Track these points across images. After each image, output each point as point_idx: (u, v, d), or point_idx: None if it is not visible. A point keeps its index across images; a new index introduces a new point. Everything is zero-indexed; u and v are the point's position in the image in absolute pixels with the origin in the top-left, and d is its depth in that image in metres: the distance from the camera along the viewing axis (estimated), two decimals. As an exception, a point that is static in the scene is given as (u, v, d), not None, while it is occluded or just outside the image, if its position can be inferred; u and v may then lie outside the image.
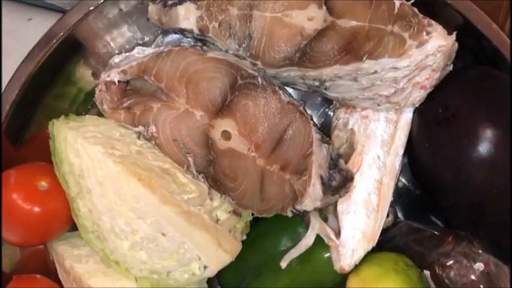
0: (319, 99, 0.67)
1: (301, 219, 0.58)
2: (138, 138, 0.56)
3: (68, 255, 0.56)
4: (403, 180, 0.67)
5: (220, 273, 0.56)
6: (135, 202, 0.52)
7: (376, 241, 0.55)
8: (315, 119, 0.57)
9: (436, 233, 0.57)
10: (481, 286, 0.52)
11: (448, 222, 0.61)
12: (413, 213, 0.66)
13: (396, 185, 0.58)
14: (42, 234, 0.56)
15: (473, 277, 0.52)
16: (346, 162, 0.56)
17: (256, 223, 0.58)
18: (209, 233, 0.53)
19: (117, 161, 0.53)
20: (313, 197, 0.51)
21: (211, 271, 0.54)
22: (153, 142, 0.55)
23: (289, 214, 0.54)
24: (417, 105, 0.55)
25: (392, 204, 0.57)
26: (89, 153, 0.53)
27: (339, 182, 0.53)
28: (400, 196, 0.67)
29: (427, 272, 0.54)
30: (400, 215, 0.66)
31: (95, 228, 0.54)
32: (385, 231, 0.58)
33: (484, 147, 0.52)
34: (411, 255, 0.56)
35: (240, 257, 0.56)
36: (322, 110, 0.68)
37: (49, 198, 0.54)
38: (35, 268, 0.58)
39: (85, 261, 0.56)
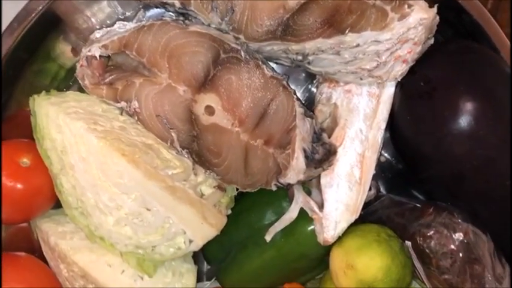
0: (303, 74, 0.67)
1: (285, 193, 0.58)
2: (121, 113, 0.55)
3: (53, 232, 0.56)
4: (385, 154, 0.68)
5: (206, 247, 0.56)
6: (119, 177, 0.52)
7: (358, 213, 0.56)
8: (298, 95, 0.57)
9: (417, 205, 0.58)
10: (460, 254, 0.53)
11: (429, 195, 0.62)
12: (396, 187, 0.67)
13: (379, 159, 0.59)
14: (25, 211, 0.56)
15: (452, 246, 0.53)
16: (330, 136, 0.56)
17: (240, 197, 0.59)
18: (194, 208, 0.54)
19: (100, 137, 0.52)
20: (296, 170, 0.52)
21: (197, 245, 0.55)
22: (136, 118, 0.55)
23: (273, 188, 0.54)
24: (399, 79, 0.55)
25: (375, 179, 0.58)
26: (71, 129, 0.53)
27: (322, 155, 0.53)
28: (383, 171, 0.67)
29: (408, 243, 0.55)
30: (382, 189, 0.67)
31: (78, 205, 0.54)
32: (367, 204, 0.58)
33: (464, 120, 0.53)
34: (393, 227, 0.57)
35: (225, 231, 0.56)
36: (305, 85, 0.68)
37: (32, 174, 0.54)
38: (19, 246, 0.58)
39: (70, 238, 0.56)
